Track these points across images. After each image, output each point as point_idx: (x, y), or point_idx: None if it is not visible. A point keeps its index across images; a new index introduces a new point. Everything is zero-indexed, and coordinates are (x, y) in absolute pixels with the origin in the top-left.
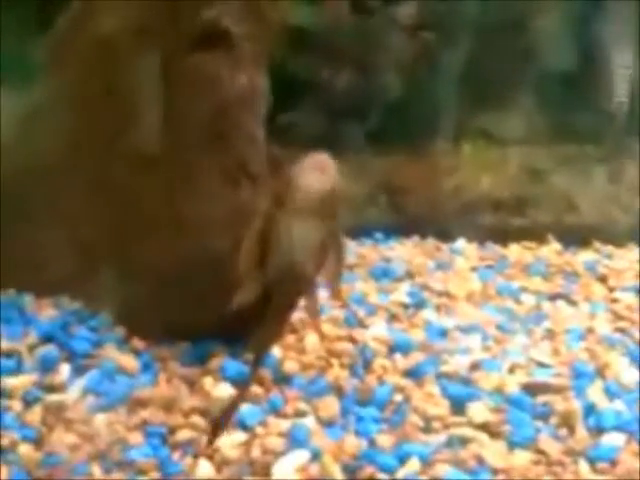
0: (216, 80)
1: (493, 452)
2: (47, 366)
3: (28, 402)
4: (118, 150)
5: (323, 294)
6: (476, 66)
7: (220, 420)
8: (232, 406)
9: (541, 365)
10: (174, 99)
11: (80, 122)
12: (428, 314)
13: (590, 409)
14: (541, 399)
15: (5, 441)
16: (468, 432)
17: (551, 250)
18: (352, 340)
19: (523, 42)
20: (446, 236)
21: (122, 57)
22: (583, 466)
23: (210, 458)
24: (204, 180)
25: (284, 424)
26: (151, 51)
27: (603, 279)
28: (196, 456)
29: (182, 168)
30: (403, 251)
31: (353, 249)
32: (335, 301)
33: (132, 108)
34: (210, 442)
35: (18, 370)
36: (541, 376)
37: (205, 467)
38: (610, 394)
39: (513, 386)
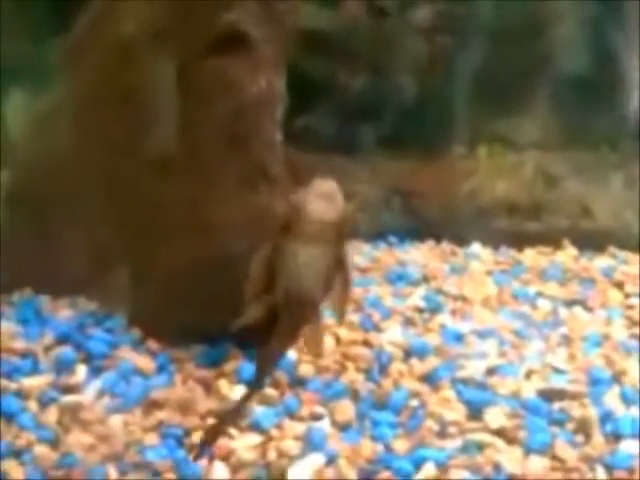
0: (235, 83)
1: (509, 458)
2: (63, 367)
3: (44, 403)
4: (136, 153)
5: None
6: (492, 70)
7: (218, 428)
8: (230, 419)
9: (557, 371)
10: (193, 102)
11: (97, 124)
12: (444, 318)
13: (607, 416)
14: (557, 405)
15: (21, 441)
16: (484, 437)
17: (567, 255)
18: (368, 344)
19: (539, 46)
20: (461, 240)
21: (141, 59)
22: (600, 473)
23: (225, 460)
24: (222, 183)
25: (300, 427)
26: (170, 54)
27: (619, 285)
28: (212, 458)
29: (200, 171)
30: (418, 255)
31: (368, 253)
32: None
33: (150, 111)
34: (204, 444)
35: (34, 371)
36: (557, 382)
37: (221, 469)
38: (627, 401)
39: (529, 392)
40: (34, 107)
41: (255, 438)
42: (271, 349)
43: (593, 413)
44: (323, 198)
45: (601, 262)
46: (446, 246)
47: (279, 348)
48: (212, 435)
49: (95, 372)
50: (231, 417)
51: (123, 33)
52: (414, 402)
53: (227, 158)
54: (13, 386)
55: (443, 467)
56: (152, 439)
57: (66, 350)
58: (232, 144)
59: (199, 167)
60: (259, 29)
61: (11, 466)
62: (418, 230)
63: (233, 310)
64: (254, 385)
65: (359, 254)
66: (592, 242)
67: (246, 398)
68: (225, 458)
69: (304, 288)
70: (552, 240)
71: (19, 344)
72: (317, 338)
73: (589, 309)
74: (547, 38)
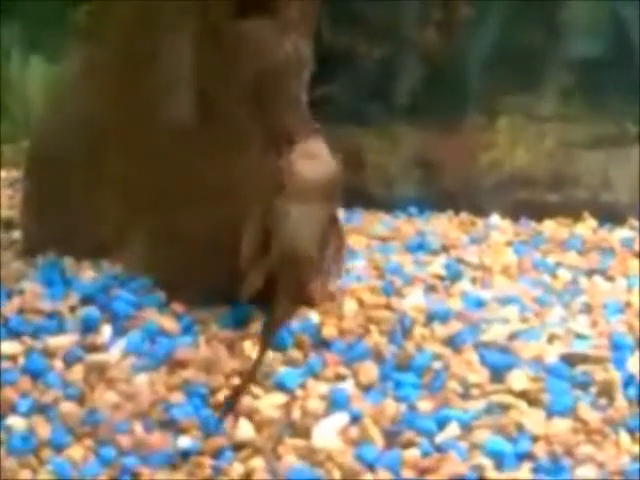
0: (262, 46)
1: (533, 419)
2: (88, 327)
3: (70, 361)
4: (159, 116)
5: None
6: (514, 41)
7: (239, 390)
8: (247, 381)
9: (580, 336)
10: (219, 65)
11: (120, 88)
12: (465, 286)
13: (630, 380)
14: (580, 369)
15: (47, 398)
16: (507, 400)
17: (586, 227)
18: (390, 308)
19: (562, 18)
20: (480, 211)
21: (166, 23)
22: (623, 436)
23: (250, 418)
24: (247, 146)
25: (324, 387)
26: (196, 16)
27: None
28: (237, 416)
29: (225, 134)
30: (438, 225)
31: (387, 222)
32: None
33: (174, 74)
34: (229, 408)
35: (60, 330)
36: (580, 347)
37: (245, 427)
38: None
39: (552, 356)
40: (55, 73)
41: (279, 397)
42: (274, 311)
43: (616, 377)
44: (312, 158)
45: (621, 233)
46: (465, 217)
47: (281, 310)
48: (235, 396)
49: (120, 332)
50: (247, 379)
51: None
52: (437, 364)
53: (252, 121)
54: (39, 345)
55: (467, 427)
56: (177, 397)
57: (91, 310)
58: (258, 107)
59: (224, 129)
60: None
61: (38, 422)
62: (437, 201)
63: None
64: (262, 347)
65: (378, 223)
66: (612, 214)
67: (257, 361)
68: (250, 416)
69: (299, 247)
70: (572, 212)
71: (44, 304)
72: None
73: (609, 278)
74: (570, 9)
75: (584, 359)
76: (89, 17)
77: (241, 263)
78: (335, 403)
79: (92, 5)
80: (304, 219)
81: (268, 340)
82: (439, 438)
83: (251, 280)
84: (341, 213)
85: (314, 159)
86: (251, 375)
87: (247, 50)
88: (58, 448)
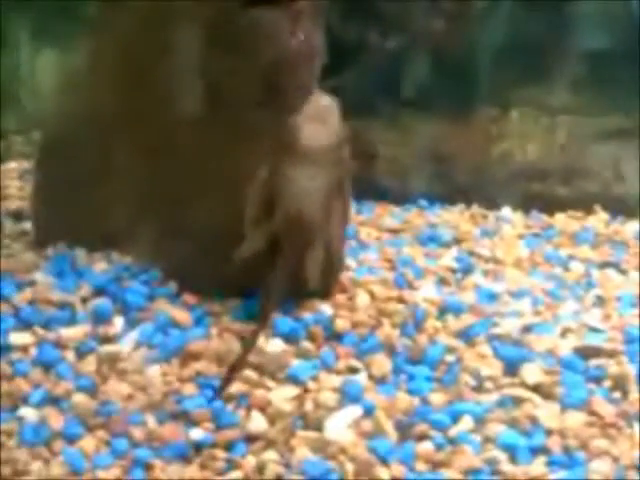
0: (274, 36)
1: (547, 413)
2: (100, 318)
3: (82, 353)
4: (170, 108)
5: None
6: (525, 33)
7: (233, 367)
8: (244, 354)
9: (593, 330)
10: (231, 55)
11: (133, 78)
12: (477, 278)
13: None
14: (594, 362)
15: (60, 390)
16: (521, 393)
17: (598, 220)
18: (402, 301)
19: (574, 10)
20: (491, 204)
21: (177, 12)
22: (637, 429)
23: (263, 411)
24: (259, 136)
25: (336, 380)
26: (208, 6)
27: None
28: (249, 408)
29: (237, 125)
30: (449, 218)
31: (398, 215)
32: None
33: (185, 66)
34: (222, 388)
35: (72, 321)
36: (593, 340)
37: (258, 419)
38: None
39: (565, 349)
40: (65, 65)
41: (292, 390)
42: (275, 278)
43: (630, 370)
44: (319, 117)
45: (633, 226)
46: (476, 210)
47: (283, 277)
48: (230, 374)
49: (132, 324)
50: (244, 355)
51: None
52: (450, 357)
53: (264, 110)
54: (51, 336)
55: (480, 421)
56: (189, 389)
57: (103, 301)
58: (270, 97)
59: (235, 121)
60: None
61: (50, 413)
62: (448, 193)
63: (268, 264)
64: (261, 319)
65: (389, 216)
66: (623, 207)
67: (255, 334)
68: (262, 409)
69: (303, 212)
70: (583, 205)
71: (56, 295)
72: (316, 263)
73: (622, 271)
74: (579, 3)
75: (598, 352)
76: (100, 9)
77: (244, 224)
78: (348, 396)
79: None
80: (309, 183)
81: (269, 309)
82: (453, 431)
83: (250, 239)
84: (352, 205)
85: (321, 123)
86: (247, 349)
87: (259, 40)
88: (70, 439)
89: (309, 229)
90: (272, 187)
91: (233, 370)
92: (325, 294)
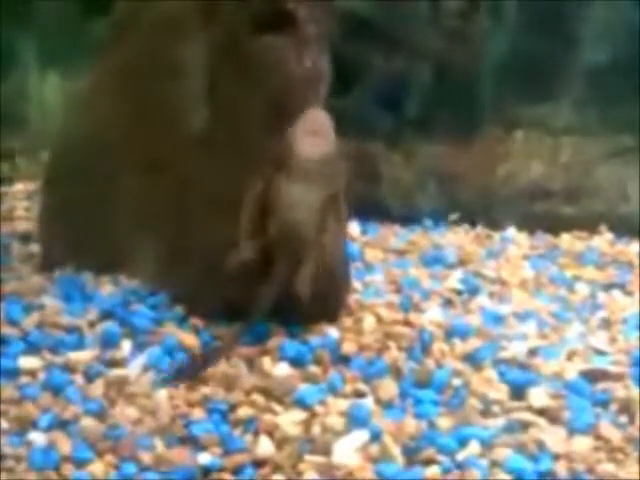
0: (282, 62)
1: (553, 437)
2: (108, 342)
3: (90, 376)
4: (178, 128)
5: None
6: (528, 54)
7: (197, 364)
8: (213, 357)
9: (599, 352)
10: (239, 80)
11: (141, 99)
12: (482, 300)
13: None
14: (600, 386)
15: (68, 414)
16: (528, 417)
17: (603, 240)
18: (408, 324)
19: (578, 30)
20: (496, 224)
21: (186, 36)
22: None
23: (270, 435)
24: (265, 160)
25: (343, 404)
26: (216, 31)
27: None
28: (257, 433)
29: (244, 148)
30: (454, 238)
31: (403, 235)
32: None
33: (192, 90)
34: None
35: (80, 345)
36: (600, 363)
37: (266, 444)
38: None
39: (572, 373)
40: (73, 86)
41: (299, 414)
42: (268, 287)
43: (636, 394)
44: (314, 134)
45: (638, 247)
46: (481, 230)
47: (276, 287)
48: (201, 362)
49: (140, 347)
50: (222, 351)
51: (169, 9)
52: (457, 381)
53: (272, 136)
54: (59, 360)
55: (488, 445)
56: (198, 413)
57: (111, 325)
58: (277, 122)
59: (243, 144)
60: (304, 8)
61: (58, 438)
62: (453, 214)
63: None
64: (246, 320)
65: (394, 237)
66: (629, 226)
67: (238, 334)
68: (270, 433)
69: (297, 225)
70: (588, 225)
71: (64, 319)
72: (308, 277)
73: (628, 293)
74: (584, 22)
75: (604, 376)
76: (108, 31)
77: (238, 235)
78: (355, 420)
79: (111, 19)
80: (303, 196)
81: (256, 313)
82: (460, 456)
83: (242, 249)
84: (356, 226)
85: (316, 137)
86: (227, 349)
87: (267, 64)
88: (79, 464)
89: (302, 241)
90: (266, 200)
91: (204, 363)
92: (332, 317)
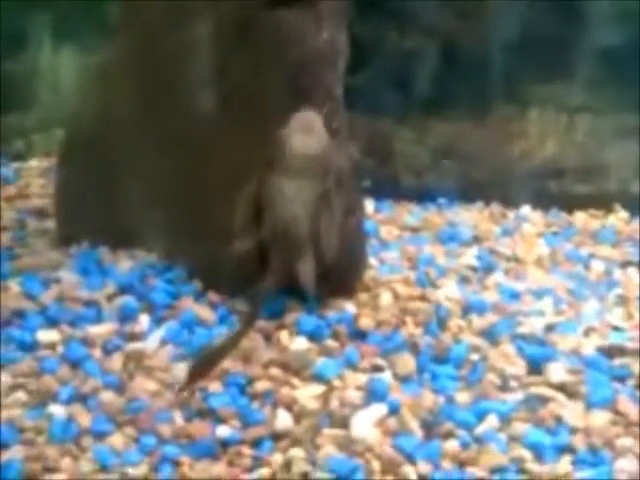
0: (299, 36)
1: (571, 412)
2: (126, 316)
3: (109, 350)
4: (193, 107)
5: None
6: (544, 31)
7: (202, 366)
8: (219, 356)
9: (616, 329)
10: (255, 55)
11: (152, 78)
12: (498, 277)
13: None
14: (618, 362)
15: (87, 387)
16: (546, 392)
17: (618, 218)
18: (425, 299)
19: (592, 9)
20: (510, 202)
21: (201, 11)
22: None
23: (289, 408)
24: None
25: (361, 378)
26: (231, 6)
27: None
28: (275, 406)
29: (262, 123)
30: (468, 216)
31: (417, 213)
32: None
33: (207, 65)
34: (187, 385)
35: (98, 319)
36: (617, 339)
37: (284, 417)
38: None
39: (589, 348)
40: (87, 64)
41: (317, 388)
42: (264, 285)
43: None
44: (305, 132)
45: None
46: (495, 208)
47: (272, 283)
48: (204, 367)
49: (157, 321)
50: (223, 352)
51: None
52: (474, 356)
53: (289, 110)
54: (78, 334)
55: (506, 419)
56: (215, 387)
57: (128, 300)
58: (294, 96)
59: (258, 119)
60: None
61: (78, 411)
62: (467, 192)
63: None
64: (247, 320)
65: (409, 214)
66: None
67: (240, 334)
68: (288, 406)
69: (290, 222)
70: (602, 203)
71: (82, 293)
72: (309, 272)
73: None
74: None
75: (621, 351)
76: (122, 8)
77: (234, 229)
78: (373, 394)
79: None
80: (296, 194)
81: (255, 312)
82: (478, 430)
83: (239, 242)
84: (371, 203)
85: (308, 133)
86: (233, 343)
87: (284, 39)
88: (99, 436)
89: (297, 238)
90: (261, 197)
91: (207, 367)
92: (349, 293)
